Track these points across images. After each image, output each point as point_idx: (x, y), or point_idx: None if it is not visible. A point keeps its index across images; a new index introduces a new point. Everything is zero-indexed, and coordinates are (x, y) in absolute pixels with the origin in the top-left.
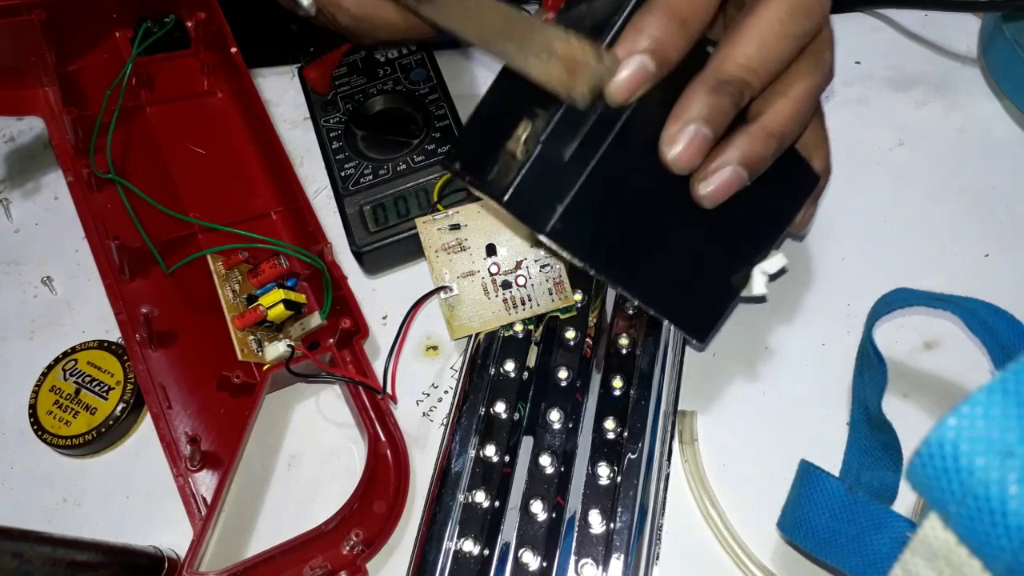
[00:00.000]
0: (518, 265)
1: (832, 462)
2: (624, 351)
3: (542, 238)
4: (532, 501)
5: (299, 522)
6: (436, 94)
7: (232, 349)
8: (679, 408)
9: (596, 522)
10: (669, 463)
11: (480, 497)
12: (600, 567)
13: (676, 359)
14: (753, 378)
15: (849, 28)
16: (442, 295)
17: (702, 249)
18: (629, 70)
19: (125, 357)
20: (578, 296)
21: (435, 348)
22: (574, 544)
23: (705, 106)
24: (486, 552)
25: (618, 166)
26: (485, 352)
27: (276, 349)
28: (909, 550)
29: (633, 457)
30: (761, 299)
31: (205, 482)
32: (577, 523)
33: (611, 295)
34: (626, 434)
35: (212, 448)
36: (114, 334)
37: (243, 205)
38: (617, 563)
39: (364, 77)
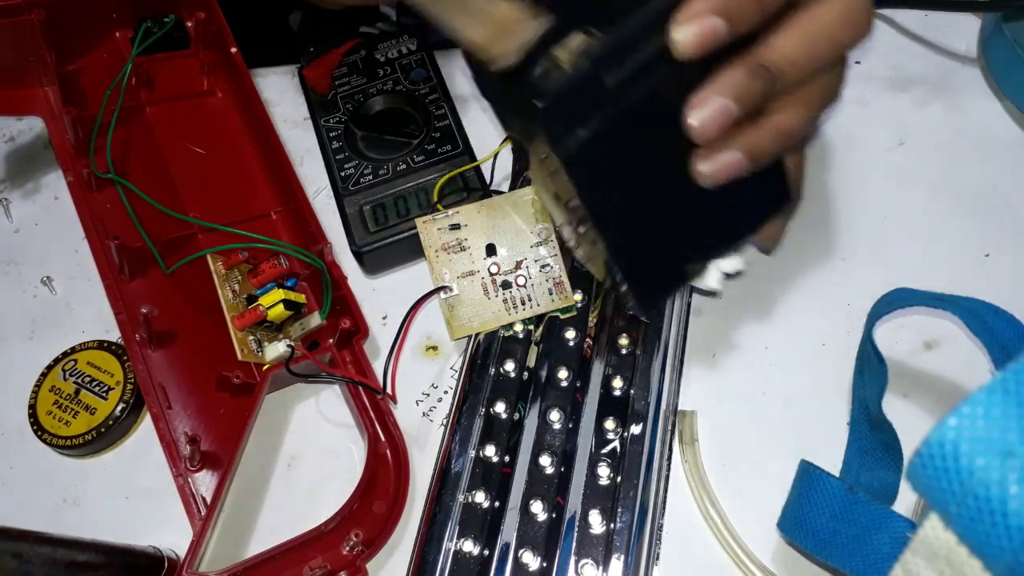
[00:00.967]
0: (518, 265)
1: (832, 462)
2: (624, 351)
3: (535, 182)
4: (532, 501)
5: (299, 522)
6: (436, 94)
7: (232, 349)
8: (679, 408)
9: (596, 522)
10: (669, 463)
11: (480, 497)
12: (600, 567)
13: (676, 359)
14: (753, 378)
15: None
16: (442, 295)
17: (677, 230)
18: (702, 26)
19: (125, 357)
20: (578, 296)
21: (435, 348)
22: (574, 544)
23: (740, 83)
24: (486, 552)
25: (644, 117)
26: (485, 352)
27: (276, 349)
28: (909, 550)
29: (633, 457)
30: (713, 293)
31: (205, 482)
32: (577, 523)
33: (611, 295)
34: (626, 434)
35: (212, 448)
36: (114, 334)
37: (243, 205)
38: (617, 563)
39: (364, 77)
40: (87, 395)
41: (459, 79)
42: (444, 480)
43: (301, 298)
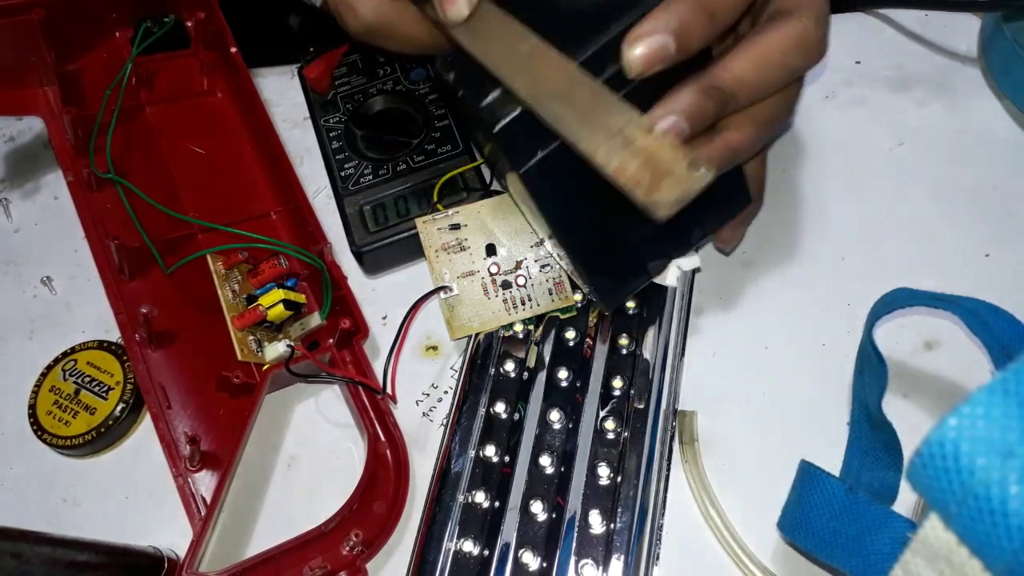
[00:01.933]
0: (518, 265)
1: (832, 462)
2: (624, 351)
3: (510, 183)
4: (532, 501)
5: (299, 522)
6: (436, 94)
7: (232, 349)
8: (679, 408)
9: (596, 522)
10: (669, 463)
11: (480, 497)
12: (600, 567)
13: (676, 359)
14: (753, 378)
15: (849, 28)
16: (442, 295)
17: (634, 231)
18: (649, 46)
19: (125, 357)
20: (578, 296)
21: (435, 348)
22: (574, 544)
23: (692, 103)
24: (486, 552)
25: None
26: (485, 352)
27: (276, 349)
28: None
29: (633, 457)
30: (672, 288)
31: (205, 482)
32: (577, 523)
33: None
34: (626, 434)
35: (212, 448)
36: (114, 334)
37: (243, 205)
38: (617, 563)
39: (364, 77)
40: (87, 395)
41: None
42: (444, 480)
43: (301, 298)
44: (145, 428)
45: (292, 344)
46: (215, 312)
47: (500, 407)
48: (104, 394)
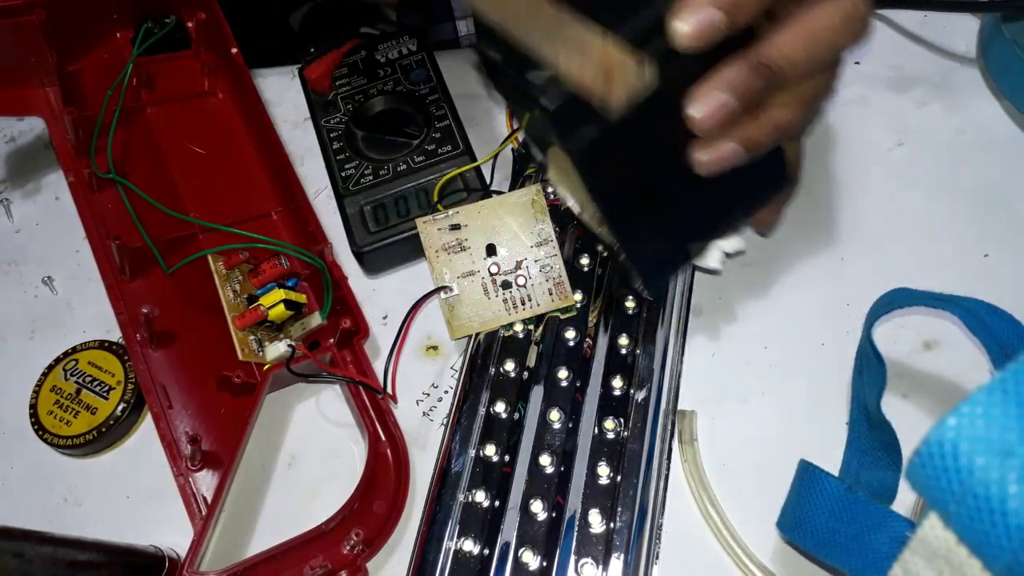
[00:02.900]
0: (518, 265)
1: (832, 462)
2: (624, 351)
3: (553, 159)
4: (532, 501)
5: (299, 522)
6: (436, 94)
7: (232, 349)
8: (679, 408)
9: (596, 522)
10: (669, 463)
11: (480, 497)
12: (600, 567)
13: (676, 359)
14: (753, 378)
15: None
16: (442, 295)
17: (679, 211)
18: (701, 18)
19: (126, 357)
20: (578, 296)
21: (435, 348)
22: (574, 544)
23: (740, 80)
24: (486, 552)
25: (647, 111)
26: (485, 352)
27: (276, 349)
28: (909, 550)
29: (633, 457)
30: (715, 272)
31: (205, 482)
32: (577, 523)
33: (611, 295)
34: (626, 434)
35: (212, 448)
36: (115, 334)
37: (243, 205)
38: (617, 563)
39: (364, 77)
40: (88, 395)
41: (459, 79)
42: (444, 480)
43: (302, 298)
44: (146, 428)
45: (293, 344)
46: (216, 312)
47: (500, 407)
48: (105, 394)
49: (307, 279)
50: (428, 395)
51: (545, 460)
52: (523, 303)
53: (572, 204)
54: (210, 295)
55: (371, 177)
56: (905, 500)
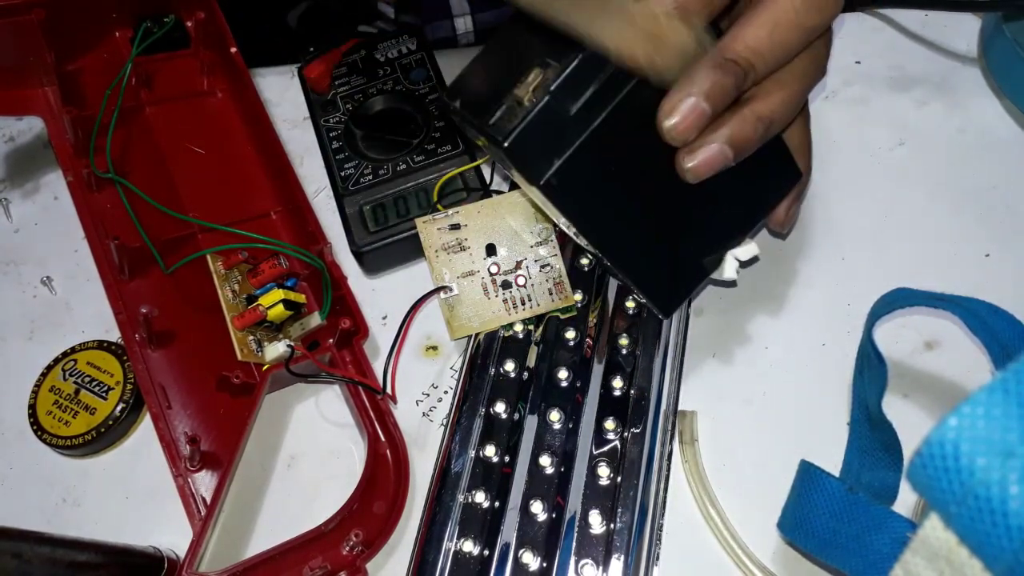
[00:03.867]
0: (518, 265)
1: (832, 462)
2: (624, 351)
3: (532, 192)
4: (532, 501)
5: (299, 522)
6: (436, 94)
7: (232, 349)
8: (679, 408)
9: (596, 522)
10: (669, 463)
11: (480, 497)
12: (600, 567)
13: (676, 359)
14: (753, 378)
15: (849, 28)
16: (442, 295)
17: (681, 227)
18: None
19: (125, 357)
20: (578, 296)
21: (435, 348)
22: (574, 544)
23: (708, 81)
24: (486, 552)
25: (616, 131)
26: (485, 352)
27: (276, 349)
28: (910, 550)
29: (633, 457)
30: (731, 284)
31: (205, 482)
32: (577, 523)
33: (611, 295)
34: (626, 434)
35: (212, 448)
36: (114, 334)
37: (243, 205)
38: (617, 563)
39: (364, 77)
40: (87, 395)
41: None
42: (444, 480)
43: (301, 298)
44: (145, 428)
45: (292, 344)
46: (215, 312)
47: (500, 407)
48: (104, 394)
49: (306, 279)
50: (428, 395)
51: (545, 461)
52: (523, 303)
53: (564, 227)
54: (209, 295)
55: (371, 177)
56: (906, 500)
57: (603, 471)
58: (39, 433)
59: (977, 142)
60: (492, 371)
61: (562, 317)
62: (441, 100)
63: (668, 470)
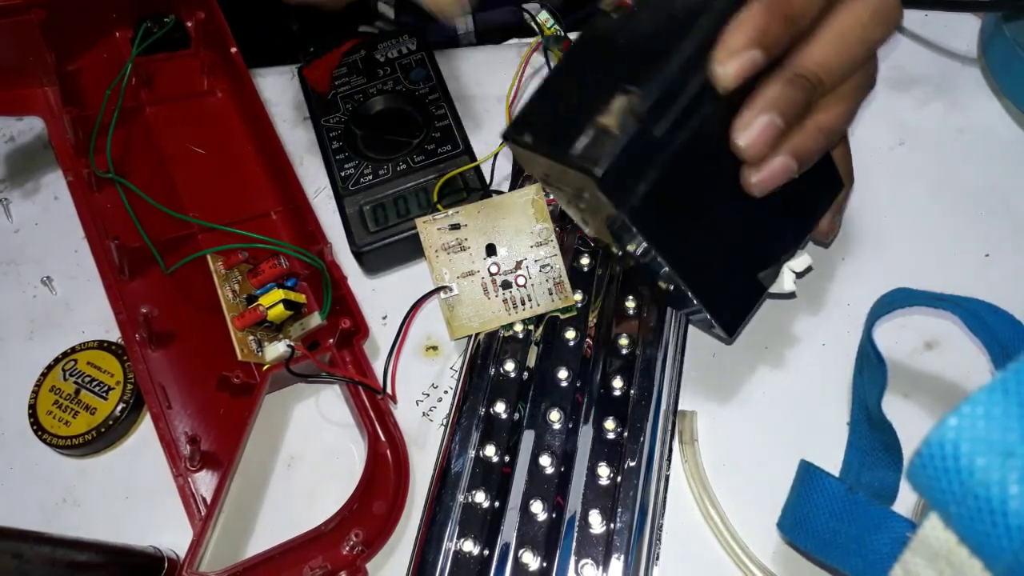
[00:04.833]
0: (518, 265)
1: (832, 462)
2: (624, 351)
3: (576, 219)
4: (532, 501)
5: (299, 522)
6: (436, 94)
7: (232, 349)
8: (679, 408)
9: (596, 522)
10: (669, 463)
11: (480, 497)
12: (600, 567)
13: (676, 359)
14: (753, 378)
15: None
16: (442, 295)
17: (741, 244)
18: (743, 60)
19: (125, 357)
20: (578, 296)
21: (435, 348)
22: (574, 544)
23: (780, 97)
24: (486, 552)
25: (693, 151)
26: (485, 352)
27: (276, 349)
28: (909, 550)
29: (633, 457)
30: (790, 295)
31: (205, 482)
32: (577, 523)
33: (611, 295)
34: (626, 434)
35: (212, 448)
36: (114, 334)
37: (243, 205)
38: (617, 563)
39: (364, 77)
40: (87, 395)
41: (459, 79)
42: (444, 480)
43: (301, 298)
44: (145, 428)
45: (292, 344)
46: (215, 312)
47: (500, 407)
48: (104, 394)
49: (306, 279)
50: (428, 395)
51: (545, 460)
52: (523, 303)
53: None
54: (209, 295)
55: (371, 177)
56: (906, 500)
57: (603, 471)
58: (39, 433)
59: (977, 142)
60: (492, 371)
61: (562, 317)
62: (506, 138)
63: (668, 470)
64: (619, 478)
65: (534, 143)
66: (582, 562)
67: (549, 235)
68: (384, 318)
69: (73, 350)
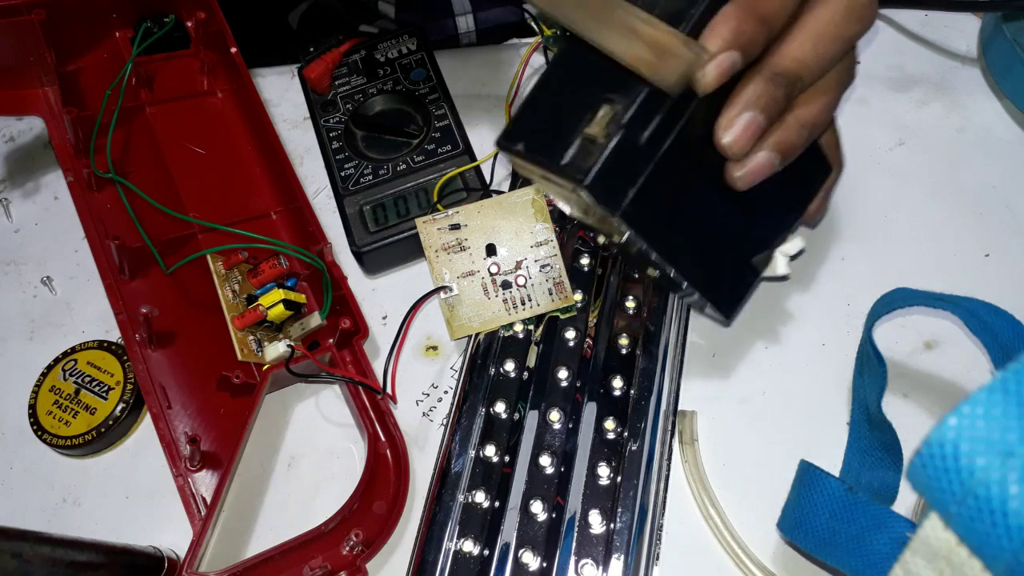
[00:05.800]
0: (518, 265)
1: (832, 462)
2: (624, 351)
3: (574, 214)
4: (532, 501)
5: (299, 522)
6: (436, 94)
7: (232, 349)
8: (679, 408)
9: (596, 522)
10: (669, 463)
11: (480, 497)
12: (600, 567)
13: (676, 359)
14: (753, 378)
15: None
16: (442, 295)
17: (733, 233)
18: (721, 62)
19: (125, 357)
20: (578, 296)
21: (435, 348)
22: (574, 544)
23: (761, 95)
24: (486, 552)
25: (675, 153)
26: (485, 352)
27: (276, 349)
28: (909, 550)
29: (633, 457)
30: (784, 278)
31: (205, 482)
32: (577, 523)
33: (611, 295)
34: (626, 434)
35: (212, 448)
36: (114, 334)
37: (243, 205)
38: (617, 563)
39: (364, 77)
40: (87, 395)
41: (459, 79)
42: (444, 480)
43: (301, 298)
44: (145, 428)
45: (292, 344)
46: (215, 312)
47: (500, 407)
48: (104, 394)
49: (306, 279)
50: (428, 395)
51: (545, 460)
52: (523, 303)
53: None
54: (209, 295)
55: (371, 177)
56: (906, 500)
57: (603, 471)
58: (39, 433)
59: (977, 142)
60: (492, 371)
61: (562, 317)
62: (499, 146)
63: (668, 470)
64: (619, 478)
65: (526, 152)
66: (582, 562)
67: (549, 235)
68: (384, 318)
69: (73, 350)
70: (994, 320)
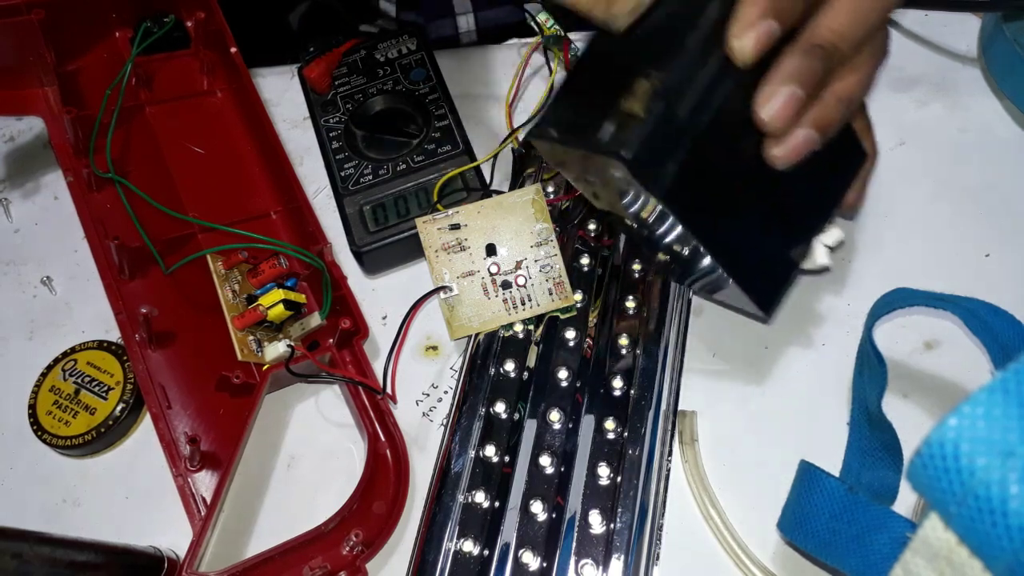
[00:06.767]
0: (518, 265)
1: (832, 462)
2: (624, 351)
3: (602, 206)
4: (532, 501)
5: (299, 522)
6: (436, 94)
7: (232, 349)
8: (679, 408)
9: (596, 522)
10: (669, 463)
11: (480, 497)
12: (600, 567)
13: (676, 359)
14: (753, 378)
15: None
16: (442, 295)
17: (770, 222)
18: (759, 31)
19: (125, 357)
20: (578, 296)
21: (435, 348)
22: (574, 544)
23: (799, 67)
24: (486, 552)
25: (717, 131)
26: (485, 352)
27: (276, 349)
28: (910, 550)
29: (633, 457)
30: (825, 270)
31: (205, 482)
32: (577, 523)
33: (611, 295)
34: (626, 434)
35: (212, 448)
36: (114, 334)
37: (243, 205)
38: (617, 563)
39: (364, 77)
40: (87, 395)
41: (459, 79)
42: (444, 480)
43: (301, 298)
44: (145, 428)
45: (292, 344)
46: (215, 312)
47: (500, 407)
48: (104, 394)
49: (306, 279)
50: (428, 395)
51: (545, 461)
52: (523, 303)
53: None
54: (209, 295)
55: (371, 177)
56: (906, 500)
57: (603, 471)
58: (39, 433)
59: (977, 142)
60: (492, 371)
61: (562, 317)
62: (531, 137)
63: (668, 470)
64: (619, 478)
65: (560, 136)
66: (582, 562)
67: (549, 235)
68: (384, 318)
69: (73, 350)
70: (994, 320)
